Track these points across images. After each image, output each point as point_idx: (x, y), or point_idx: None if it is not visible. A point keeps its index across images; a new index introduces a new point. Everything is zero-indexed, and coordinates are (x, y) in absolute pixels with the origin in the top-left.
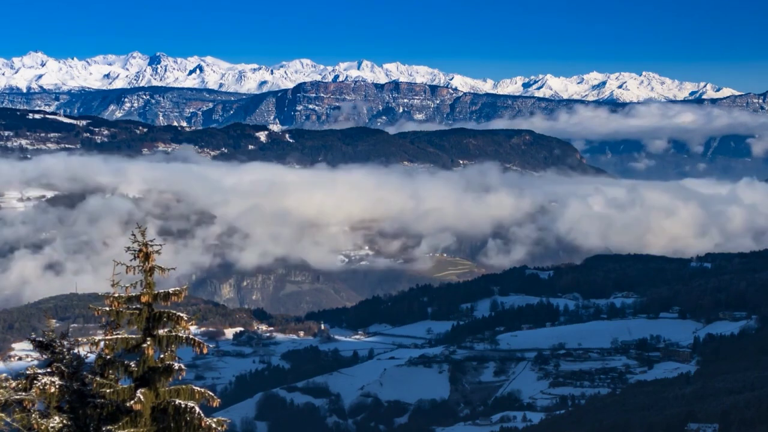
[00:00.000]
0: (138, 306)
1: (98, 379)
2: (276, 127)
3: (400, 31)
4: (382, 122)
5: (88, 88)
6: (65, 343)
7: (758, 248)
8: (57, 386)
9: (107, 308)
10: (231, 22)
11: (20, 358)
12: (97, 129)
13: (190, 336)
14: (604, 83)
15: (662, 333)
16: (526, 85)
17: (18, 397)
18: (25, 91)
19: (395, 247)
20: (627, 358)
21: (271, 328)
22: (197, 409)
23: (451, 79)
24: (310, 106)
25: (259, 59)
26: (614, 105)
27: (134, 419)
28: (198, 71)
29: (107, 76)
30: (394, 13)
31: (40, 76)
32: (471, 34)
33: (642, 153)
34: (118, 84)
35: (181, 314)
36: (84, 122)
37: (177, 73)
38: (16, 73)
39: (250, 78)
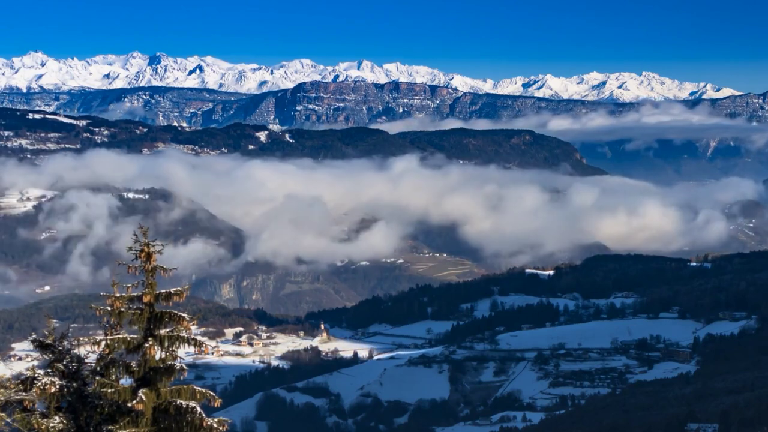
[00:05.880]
0: (139, 306)
1: (99, 379)
2: (276, 127)
3: (400, 31)
4: (382, 122)
5: (88, 88)
6: (65, 343)
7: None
8: (57, 386)
9: (109, 308)
10: (231, 22)
11: (20, 358)
12: (97, 129)
13: (192, 336)
14: (604, 83)
15: (662, 333)
16: (526, 85)
17: (18, 397)
18: (25, 91)
19: (395, 247)
20: (627, 358)
21: (271, 328)
22: (198, 409)
23: (451, 79)
24: (310, 106)
25: (259, 59)
26: (614, 105)
27: (135, 419)
28: (198, 71)
29: (107, 76)
30: (394, 13)
31: (40, 76)
32: (471, 34)
33: (642, 153)
34: (118, 84)
35: (183, 314)
36: (84, 122)
37: (177, 73)
38: (16, 73)
39: (250, 78)
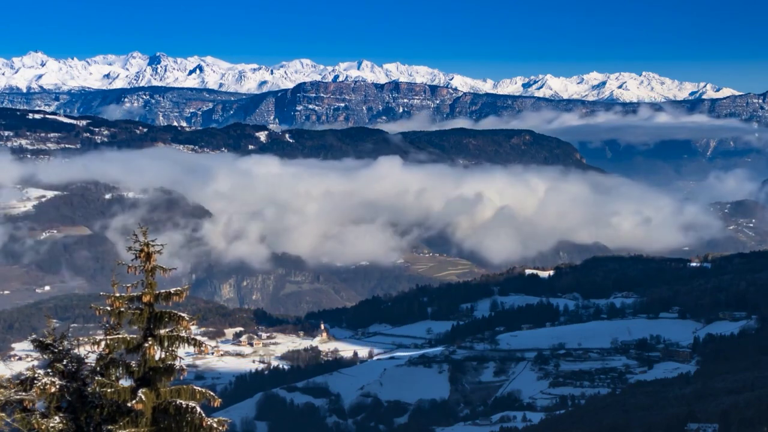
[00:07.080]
0: (139, 306)
1: (99, 378)
2: (276, 127)
3: (400, 31)
4: (382, 122)
5: (88, 88)
6: (65, 343)
7: None
8: (57, 386)
9: (108, 308)
10: (231, 22)
11: (20, 358)
12: (97, 129)
13: (192, 336)
14: (604, 83)
15: (662, 333)
16: (526, 85)
17: (18, 397)
18: (25, 91)
19: (395, 247)
20: (627, 358)
21: (271, 328)
22: (198, 409)
23: (451, 79)
24: (310, 106)
25: (259, 59)
26: (614, 105)
27: (135, 419)
28: (198, 71)
29: (107, 76)
30: (394, 13)
31: (40, 76)
32: (471, 34)
33: (641, 153)
34: (118, 84)
35: (183, 314)
36: (84, 122)
37: (177, 73)
38: (16, 73)
39: (250, 78)
